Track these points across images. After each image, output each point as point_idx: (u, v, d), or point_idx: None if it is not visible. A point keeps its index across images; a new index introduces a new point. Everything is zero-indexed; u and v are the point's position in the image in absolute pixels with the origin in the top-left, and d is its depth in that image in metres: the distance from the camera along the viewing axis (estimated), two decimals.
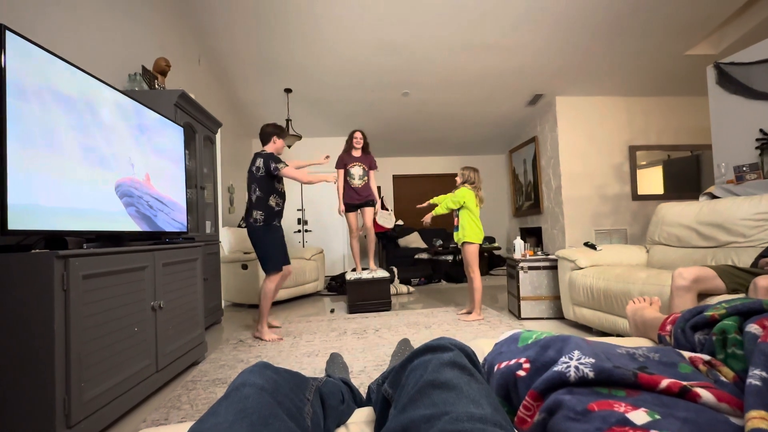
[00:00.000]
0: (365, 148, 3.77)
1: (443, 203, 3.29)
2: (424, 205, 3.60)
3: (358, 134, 3.74)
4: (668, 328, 0.90)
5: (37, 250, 1.36)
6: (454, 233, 3.32)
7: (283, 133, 2.95)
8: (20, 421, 1.25)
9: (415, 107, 5.37)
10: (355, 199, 3.73)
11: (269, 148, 2.91)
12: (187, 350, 2.14)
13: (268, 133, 2.91)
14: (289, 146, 5.23)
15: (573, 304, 2.79)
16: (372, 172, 3.80)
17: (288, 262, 2.99)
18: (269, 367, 0.75)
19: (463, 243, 3.22)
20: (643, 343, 1.03)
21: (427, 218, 3.36)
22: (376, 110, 5.41)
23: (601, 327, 2.54)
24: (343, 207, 3.69)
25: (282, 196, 2.95)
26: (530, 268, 3.13)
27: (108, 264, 1.53)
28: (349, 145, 3.74)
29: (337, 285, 4.83)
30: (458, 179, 3.33)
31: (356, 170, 3.72)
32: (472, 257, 3.21)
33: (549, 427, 0.58)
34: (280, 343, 2.66)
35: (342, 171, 3.74)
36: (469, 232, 3.20)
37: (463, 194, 3.21)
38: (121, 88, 2.54)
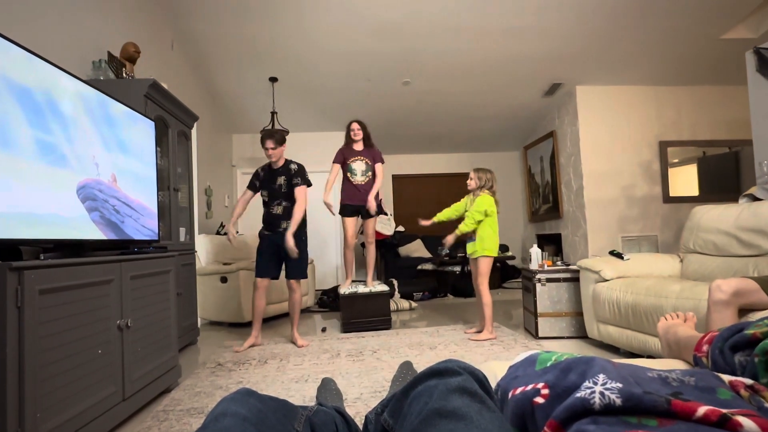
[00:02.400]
0: (367, 141, 3.70)
1: (469, 220, 3.20)
2: (428, 223, 3.47)
3: (354, 125, 3.66)
4: (704, 348, 0.90)
5: None
6: (468, 244, 3.29)
7: (262, 140, 3.15)
8: None
9: (417, 98, 5.40)
10: (355, 200, 3.66)
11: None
12: (158, 375, 2.13)
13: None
14: None
15: (597, 322, 2.79)
16: (378, 166, 3.69)
17: (262, 275, 3.15)
18: (253, 394, 0.75)
19: (480, 257, 3.21)
20: (677, 365, 1.03)
21: (450, 239, 3.29)
22: (373, 102, 5.43)
23: (629, 347, 2.54)
24: (331, 203, 3.56)
25: (265, 204, 3.24)
26: (548, 280, 3.13)
27: (68, 277, 1.53)
28: (349, 139, 3.69)
29: (329, 300, 4.83)
30: (472, 183, 3.28)
31: (358, 165, 3.66)
32: (487, 270, 3.23)
33: None
34: (265, 366, 2.65)
35: (337, 166, 3.69)
36: (489, 244, 3.19)
37: (486, 202, 3.19)
38: (85, 77, 2.55)
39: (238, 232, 5.53)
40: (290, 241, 3.02)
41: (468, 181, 3.33)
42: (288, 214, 3.18)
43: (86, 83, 1.86)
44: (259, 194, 3.31)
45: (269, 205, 3.20)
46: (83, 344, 1.59)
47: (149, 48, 3.41)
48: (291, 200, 3.20)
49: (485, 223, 3.20)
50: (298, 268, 3.20)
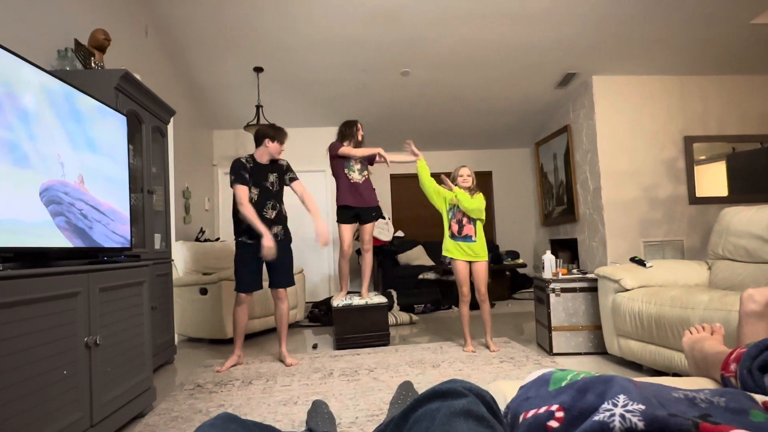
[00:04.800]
0: (359, 145, 3.77)
1: (477, 205, 3.29)
2: (414, 156, 3.53)
3: (360, 125, 3.78)
4: (732, 367, 0.90)
5: None
6: (468, 245, 3.31)
7: (279, 135, 3.16)
8: None
9: (418, 90, 5.41)
10: (353, 201, 3.67)
11: (258, 152, 3.18)
12: (131, 398, 2.11)
13: (260, 134, 3.17)
14: None
15: (618, 336, 2.79)
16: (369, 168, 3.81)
17: (247, 289, 3.13)
18: (235, 419, 0.74)
19: (483, 260, 3.32)
20: (706, 384, 1.03)
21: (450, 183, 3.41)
22: (369, 94, 5.44)
23: (653, 364, 2.54)
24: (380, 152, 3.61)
25: (256, 205, 3.11)
26: (563, 290, 3.14)
27: (30, 289, 1.52)
28: (343, 136, 3.73)
29: (320, 314, 4.81)
30: (469, 180, 3.37)
31: (355, 163, 3.71)
32: (486, 276, 3.34)
33: None
34: (249, 388, 2.64)
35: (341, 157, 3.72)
36: (484, 246, 3.35)
37: (483, 202, 3.35)
38: (49, 67, 2.54)
39: (219, 239, 5.52)
40: (323, 228, 3.14)
41: (465, 177, 3.38)
42: (279, 220, 3.19)
43: (50, 74, 1.85)
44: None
45: (259, 206, 3.13)
46: (46, 364, 1.58)
47: (121, 35, 3.41)
48: (280, 202, 3.23)
49: (480, 225, 3.35)
50: (286, 274, 3.21)
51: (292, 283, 3.27)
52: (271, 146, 3.15)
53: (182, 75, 4.81)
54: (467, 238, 3.31)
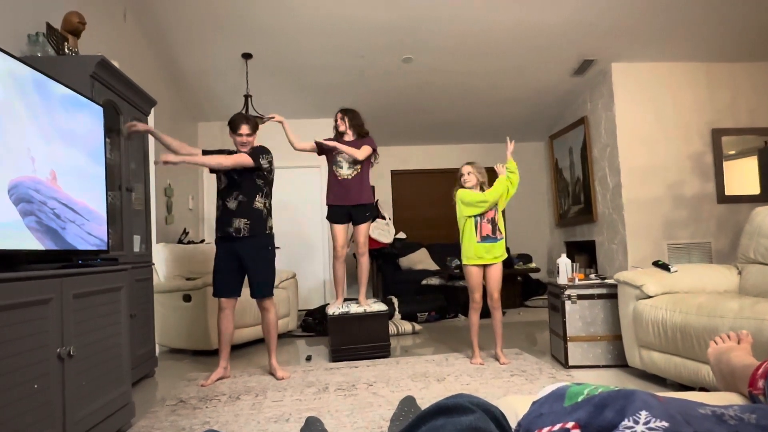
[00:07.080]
0: (359, 130, 3.74)
1: (504, 184, 3.23)
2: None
3: (337, 115, 3.76)
4: (760, 384, 0.90)
5: None
6: (493, 245, 3.23)
7: (234, 124, 3.17)
8: None
9: (421, 78, 5.41)
10: (342, 199, 3.68)
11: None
12: (108, 415, 2.11)
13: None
14: None
15: (639, 347, 2.79)
16: (366, 147, 3.65)
17: (223, 294, 3.14)
18: None
19: (495, 263, 3.29)
20: (735, 399, 1.03)
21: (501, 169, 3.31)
22: (367, 83, 5.44)
23: (678, 378, 2.54)
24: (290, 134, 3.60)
25: (222, 194, 3.19)
26: (580, 297, 3.13)
27: None
28: (337, 131, 3.77)
29: (315, 323, 4.82)
30: (472, 179, 3.36)
31: (345, 156, 3.70)
32: (501, 280, 3.31)
33: None
34: (237, 403, 2.65)
35: (314, 144, 3.70)
36: (503, 243, 3.32)
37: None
38: (18, 53, 2.54)
39: (204, 241, 5.51)
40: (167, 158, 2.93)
41: (467, 177, 3.36)
42: (243, 211, 3.13)
43: (20, 61, 1.85)
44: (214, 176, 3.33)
45: (225, 197, 3.17)
46: (15, 378, 1.57)
47: (97, 19, 3.41)
48: (248, 194, 3.16)
49: (500, 220, 3.32)
50: (261, 281, 3.18)
51: (267, 293, 3.19)
52: (233, 138, 3.20)
53: (164, 62, 4.81)
54: (495, 239, 3.27)
